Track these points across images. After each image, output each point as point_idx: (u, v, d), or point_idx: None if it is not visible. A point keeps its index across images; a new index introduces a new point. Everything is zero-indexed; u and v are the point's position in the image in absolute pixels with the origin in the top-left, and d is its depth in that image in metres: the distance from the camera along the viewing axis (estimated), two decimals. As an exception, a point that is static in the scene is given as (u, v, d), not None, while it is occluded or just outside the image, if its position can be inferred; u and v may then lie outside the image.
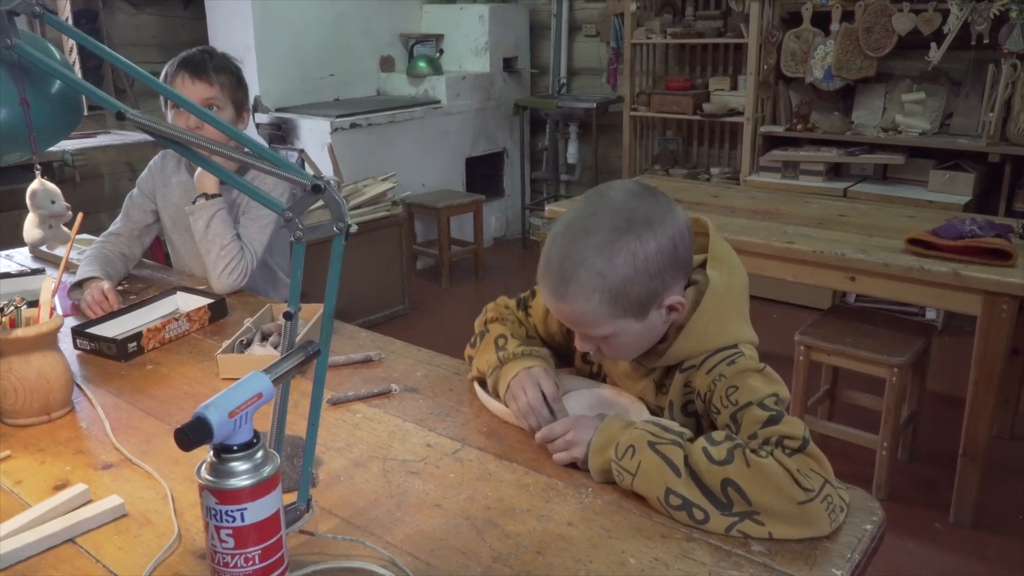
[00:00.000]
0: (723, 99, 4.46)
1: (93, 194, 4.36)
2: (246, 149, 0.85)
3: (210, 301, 1.64)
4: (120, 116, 0.80)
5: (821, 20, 3.93)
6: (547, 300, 1.13)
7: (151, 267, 2.02)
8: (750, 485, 0.93)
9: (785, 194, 3.26)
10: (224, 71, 1.83)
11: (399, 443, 1.18)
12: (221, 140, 1.79)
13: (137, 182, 1.96)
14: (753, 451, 0.97)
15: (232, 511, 0.76)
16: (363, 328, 1.63)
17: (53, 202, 1.05)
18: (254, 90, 4.38)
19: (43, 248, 1.83)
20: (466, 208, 4.55)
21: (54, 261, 1.96)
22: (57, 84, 0.93)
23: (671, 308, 1.10)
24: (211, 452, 0.77)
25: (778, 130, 4.13)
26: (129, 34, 4.50)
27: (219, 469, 0.77)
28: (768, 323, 3.72)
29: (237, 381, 0.78)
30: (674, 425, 1.05)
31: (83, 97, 0.97)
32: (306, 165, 4.23)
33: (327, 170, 4.19)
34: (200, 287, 1.79)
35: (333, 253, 0.86)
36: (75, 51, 4.16)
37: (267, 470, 0.78)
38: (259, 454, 0.78)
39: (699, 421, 1.15)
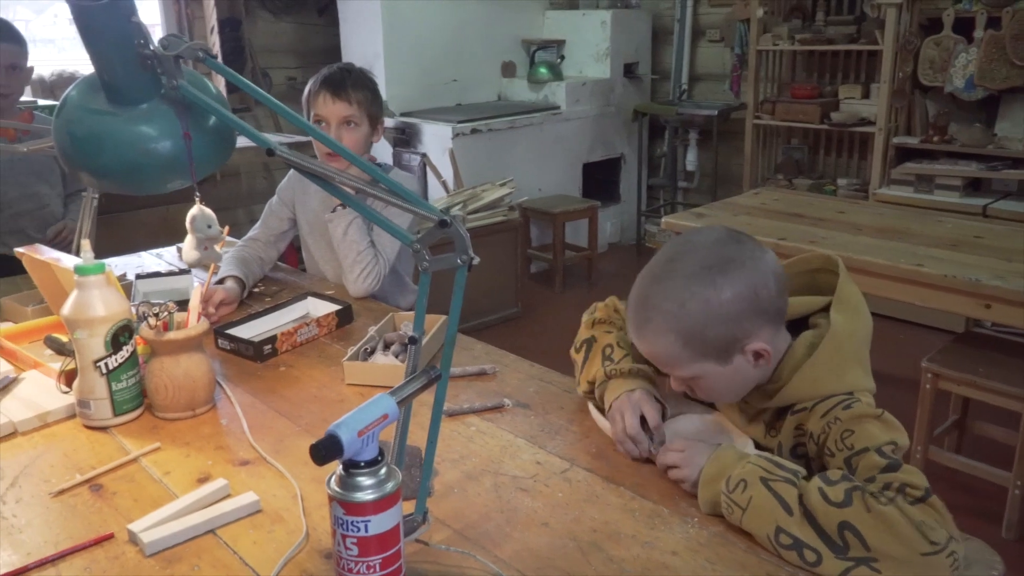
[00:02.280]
0: (853, 108, 4.30)
1: (231, 192, 4.66)
2: (381, 185, 0.91)
3: (338, 308, 1.74)
4: (270, 152, 0.88)
5: (963, 26, 3.73)
6: (630, 336, 1.18)
7: (285, 270, 2.16)
8: (870, 531, 0.92)
9: (917, 211, 3.11)
10: (362, 88, 1.93)
11: (510, 459, 1.22)
12: (357, 151, 1.92)
13: (277, 190, 2.10)
14: (872, 495, 0.95)
15: (357, 522, 0.83)
16: (476, 331, 1.69)
17: (209, 226, 1.15)
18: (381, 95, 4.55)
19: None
20: (581, 214, 4.58)
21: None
22: (214, 119, 1.02)
23: (757, 355, 1.10)
24: (340, 466, 0.84)
25: (912, 141, 3.94)
26: (268, 41, 4.76)
27: (347, 483, 0.83)
28: (893, 345, 3.56)
29: (366, 402, 0.84)
30: (788, 463, 1.05)
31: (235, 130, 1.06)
32: (428, 169, 4.36)
33: (448, 174, 4.31)
34: (328, 292, 1.90)
35: (456, 284, 0.91)
36: (219, 58, 4.44)
37: (390, 486, 0.84)
38: (383, 471, 0.84)
39: (809, 464, 1.14)
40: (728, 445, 1.11)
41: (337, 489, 0.83)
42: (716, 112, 4.68)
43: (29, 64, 2.58)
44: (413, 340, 0.92)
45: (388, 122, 4.54)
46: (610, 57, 4.96)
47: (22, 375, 1.48)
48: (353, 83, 1.92)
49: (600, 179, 5.20)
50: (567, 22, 5.11)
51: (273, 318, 1.75)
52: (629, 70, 5.11)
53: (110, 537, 1.04)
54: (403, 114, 4.57)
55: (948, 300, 2.26)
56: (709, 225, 2.15)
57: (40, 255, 1.60)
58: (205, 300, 1.75)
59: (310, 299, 1.83)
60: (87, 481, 1.17)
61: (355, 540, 0.83)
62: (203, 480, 1.17)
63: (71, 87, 1.02)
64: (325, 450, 0.79)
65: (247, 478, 1.18)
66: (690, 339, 1.08)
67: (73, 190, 2.73)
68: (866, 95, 4.31)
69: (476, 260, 0.91)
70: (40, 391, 1.41)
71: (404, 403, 0.87)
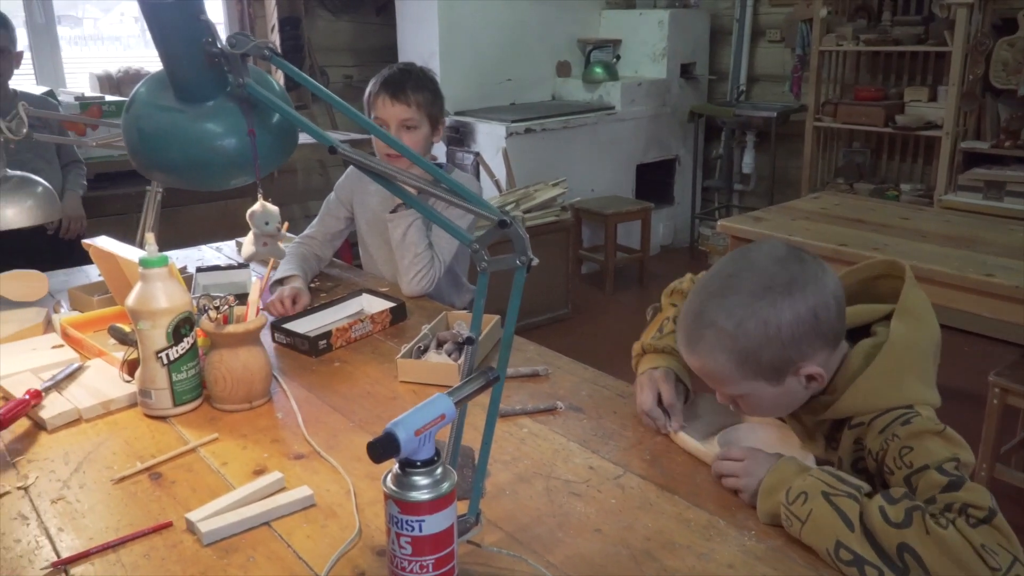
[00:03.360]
0: (919, 111, 4.18)
1: (288, 187, 4.73)
2: (443, 185, 0.91)
3: (392, 305, 1.75)
4: (332, 151, 0.89)
5: (1040, 28, 3.59)
6: (680, 348, 1.16)
7: (340, 267, 2.18)
8: (929, 554, 0.89)
9: (986, 219, 3.00)
10: (421, 89, 1.93)
11: (563, 462, 1.21)
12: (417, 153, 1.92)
13: (335, 187, 2.12)
14: (933, 516, 0.92)
15: (412, 521, 0.82)
16: (526, 331, 1.69)
17: (267, 223, 1.17)
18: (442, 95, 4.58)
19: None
20: (634, 215, 4.54)
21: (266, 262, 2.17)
22: (277, 116, 1.03)
23: (810, 378, 1.08)
24: (397, 464, 0.84)
25: (982, 146, 3.81)
26: (326, 39, 4.82)
27: (403, 481, 0.83)
28: (959, 357, 3.45)
29: (424, 401, 0.84)
30: (851, 478, 1.01)
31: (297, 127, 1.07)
32: (481, 168, 4.37)
33: (500, 174, 4.31)
34: (383, 289, 1.91)
35: (514, 285, 0.90)
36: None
37: (445, 486, 0.84)
38: (439, 471, 0.84)
39: (872, 480, 1.11)
40: (789, 457, 1.09)
41: (393, 487, 0.83)
42: (775, 114, 4.59)
43: (19, 49, 2.81)
44: (470, 340, 0.92)
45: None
46: (667, 57, 4.91)
47: (87, 363, 1.52)
48: (413, 85, 1.92)
49: (654, 180, 5.15)
50: (624, 22, 5.07)
51: (328, 314, 1.76)
52: (686, 70, 5.05)
53: (169, 525, 1.06)
54: (457, 113, 4.58)
55: (1019, 312, 2.18)
56: (767, 239, 2.11)
57: (106, 246, 1.64)
58: (282, 300, 1.77)
59: (365, 296, 1.84)
60: (147, 469, 1.20)
61: (409, 539, 0.83)
62: (259, 472, 1.19)
63: (140, 84, 1.04)
64: (382, 448, 0.79)
65: (301, 472, 1.19)
66: (744, 360, 1.06)
67: (67, 161, 2.94)
68: (933, 98, 4.18)
69: (535, 261, 0.90)
70: (104, 379, 1.45)
71: (461, 404, 0.86)
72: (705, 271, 1.17)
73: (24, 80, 4.10)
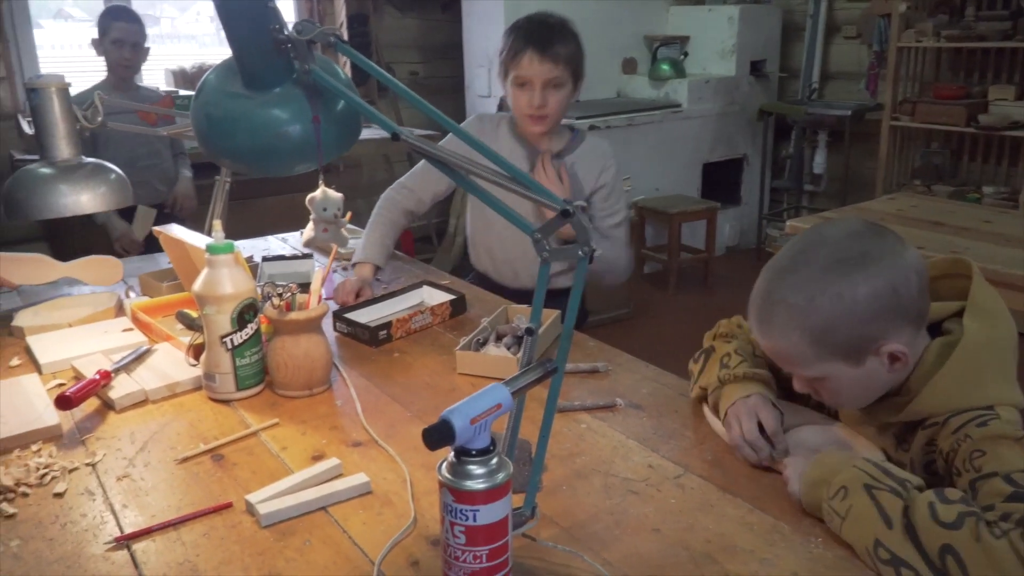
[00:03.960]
0: (1005, 110, 4.00)
1: (353, 181, 4.80)
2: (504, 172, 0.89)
3: (452, 297, 1.75)
4: (395, 137, 0.88)
5: None
6: (753, 333, 1.11)
7: (401, 259, 2.19)
8: (973, 561, 0.83)
9: (1073, 223, 2.86)
10: (567, 42, 1.79)
11: (621, 460, 1.19)
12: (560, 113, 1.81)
13: (447, 142, 1.99)
14: (989, 524, 0.86)
15: (466, 510, 0.81)
16: (586, 329, 1.66)
17: (325, 209, 1.17)
18: (501, 91, 4.58)
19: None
20: (699, 215, 4.46)
21: (324, 249, 2.20)
22: (342, 103, 1.03)
23: (893, 357, 1.02)
24: (452, 453, 0.83)
25: (1070, 148, 3.63)
26: (393, 36, 4.87)
27: (457, 470, 0.82)
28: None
29: (480, 390, 0.82)
30: (900, 471, 0.96)
31: (361, 115, 1.07)
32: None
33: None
34: (443, 282, 1.91)
35: (576, 276, 0.88)
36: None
37: (500, 476, 0.82)
38: (494, 460, 0.83)
39: (942, 484, 1.05)
40: (833, 448, 1.04)
41: (447, 476, 0.82)
42: (849, 112, 4.46)
43: (147, 44, 3.13)
44: (530, 331, 0.91)
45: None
46: (736, 54, 4.81)
47: (155, 347, 1.55)
48: (559, 38, 1.78)
49: (720, 180, 5.05)
50: (692, 18, 4.99)
51: (389, 304, 1.77)
52: (756, 68, 4.94)
53: (228, 506, 1.07)
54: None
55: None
56: (843, 216, 2.04)
57: (175, 234, 1.67)
58: (346, 293, 1.78)
59: (425, 288, 1.85)
60: (210, 451, 1.22)
61: (463, 528, 0.82)
62: (317, 458, 1.19)
63: (210, 71, 1.06)
64: (438, 435, 0.78)
65: (359, 459, 1.19)
66: (819, 337, 1.01)
67: (177, 151, 3.26)
68: (1020, 96, 3.99)
69: (598, 252, 0.88)
70: (170, 363, 1.48)
71: (518, 394, 0.85)
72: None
73: (96, 77, 4.25)
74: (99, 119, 1.46)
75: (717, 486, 1.12)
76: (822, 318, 1.00)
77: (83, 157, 1.41)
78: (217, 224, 1.34)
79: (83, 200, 1.37)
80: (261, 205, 3.88)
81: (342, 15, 4.61)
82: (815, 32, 4.86)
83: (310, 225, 1.20)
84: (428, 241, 4.99)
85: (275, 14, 0.91)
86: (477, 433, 0.80)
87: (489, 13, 4.49)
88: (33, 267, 1.82)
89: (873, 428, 1.14)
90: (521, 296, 1.88)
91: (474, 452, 0.82)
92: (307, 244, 1.23)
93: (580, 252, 0.88)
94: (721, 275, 4.69)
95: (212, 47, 4.90)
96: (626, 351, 1.59)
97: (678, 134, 4.69)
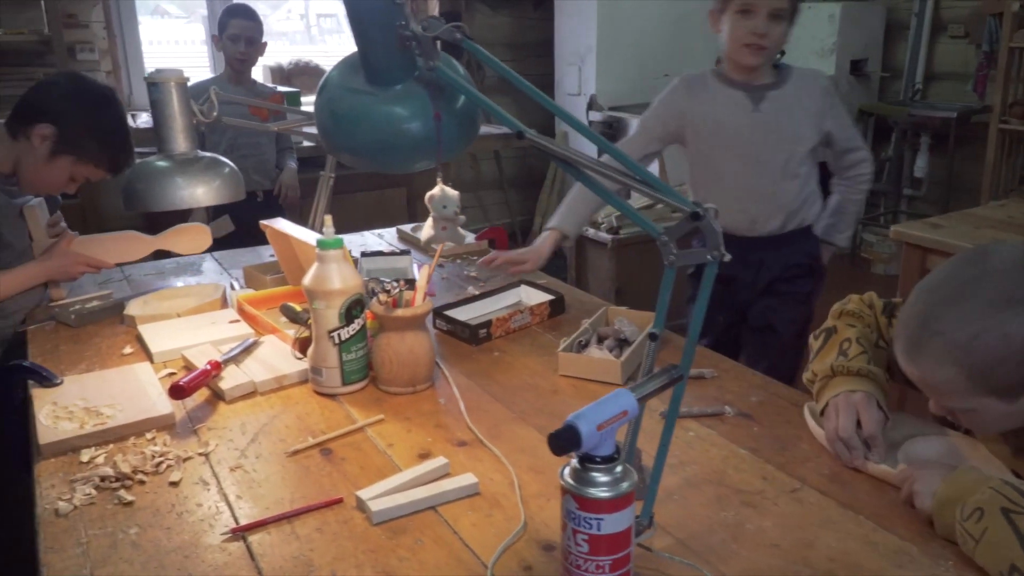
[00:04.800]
0: None
1: (464, 175, 4.84)
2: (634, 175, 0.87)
3: (551, 298, 1.73)
4: (519, 136, 0.86)
5: None
6: (897, 355, 1.05)
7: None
8: None
9: None
10: None
11: (733, 470, 1.15)
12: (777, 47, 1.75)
13: (657, 103, 2.01)
14: None
15: (591, 519, 0.79)
16: (675, 331, 1.61)
17: (445, 207, 1.17)
18: (591, 88, 4.54)
19: (432, 245, 2.02)
20: (792, 218, 4.32)
21: (415, 243, 2.22)
22: (462, 100, 1.02)
23: None
24: (575, 459, 0.81)
25: None
26: (484, 33, 4.89)
27: (582, 476, 0.80)
28: None
29: (605, 396, 0.80)
30: None
31: (480, 113, 1.06)
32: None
33: (653, 170, 4.22)
34: (541, 282, 1.89)
35: (704, 280, 0.85)
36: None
37: (625, 485, 0.80)
38: (619, 469, 0.80)
39: None
40: (969, 467, 0.98)
41: (571, 482, 0.80)
42: (955, 114, 4.25)
43: (264, 40, 3.23)
44: (653, 336, 0.88)
45: (596, 116, 4.52)
46: (836, 53, 4.64)
47: (261, 339, 1.58)
48: None
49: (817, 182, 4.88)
50: (789, 15, 4.83)
51: (487, 303, 1.77)
52: (856, 67, 4.75)
53: (339, 501, 1.08)
54: (612, 108, 4.52)
55: None
56: (1002, 241, 1.93)
57: (281, 228, 1.70)
58: (488, 261, 1.77)
59: (523, 287, 1.83)
60: (318, 444, 1.23)
61: (586, 537, 0.80)
62: (424, 456, 1.19)
63: (332, 68, 1.06)
64: (564, 440, 0.76)
65: (465, 459, 1.19)
66: (977, 375, 0.95)
67: (284, 145, 3.35)
68: None
69: (728, 257, 0.85)
70: (277, 355, 1.51)
71: (643, 401, 0.82)
72: (918, 288, 1.05)
73: (202, 72, 4.40)
74: (214, 113, 1.49)
75: (838, 502, 1.07)
76: (985, 357, 0.94)
77: (199, 151, 1.44)
78: (328, 219, 1.35)
79: (198, 193, 1.41)
80: (351, 201, 3.95)
81: (435, 12, 4.65)
82: (920, 31, 4.66)
83: (429, 223, 1.20)
84: (512, 239, 4.99)
85: (402, 10, 0.91)
86: (603, 439, 0.78)
87: (581, 10, 4.46)
88: (126, 244, 1.88)
89: (1008, 448, 1.08)
90: (761, 244, 1.91)
91: (599, 459, 0.79)
92: (427, 243, 1.23)
93: (709, 256, 0.84)
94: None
95: (303, 44, 5.01)
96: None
97: (771, 135, 4.56)
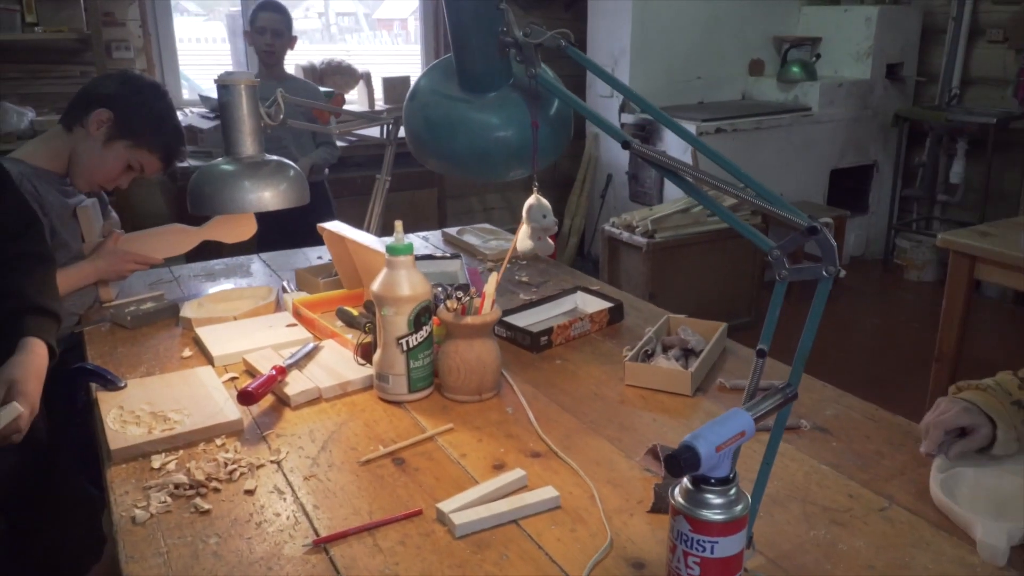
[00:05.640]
0: None
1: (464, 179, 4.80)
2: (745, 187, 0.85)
3: (610, 305, 1.71)
4: (625, 145, 0.85)
5: None
6: None
7: (546, 261, 2.16)
8: None
9: None
10: None
11: (817, 487, 1.12)
12: None
13: None
14: None
15: (704, 541, 0.77)
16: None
17: (544, 216, 1.15)
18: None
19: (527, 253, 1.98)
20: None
21: (462, 247, 2.20)
22: (555, 107, 1.01)
23: None
24: (688, 479, 0.79)
25: None
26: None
27: (695, 498, 0.78)
28: None
29: (722, 415, 0.78)
30: None
31: (572, 118, 1.04)
32: (666, 167, 4.26)
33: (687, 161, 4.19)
34: (595, 288, 1.87)
35: (817, 297, 0.83)
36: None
37: (739, 509, 0.78)
38: (733, 491, 0.78)
39: None
40: None
41: (683, 503, 0.78)
42: (993, 120, 4.20)
43: (293, 34, 3.26)
44: (761, 353, 0.86)
45: (627, 118, 4.49)
46: (872, 57, 4.60)
47: (322, 343, 1.57)
48: None
49: (849, 187, 4.84)
50: (826, 18, 4.79)
51: (543, 310, 1.75)
52: (892, 71, 4.71)
53: (419, 513, 1.06)
54: (644, 111, 4.48)
55: None
56: None
57: (338, 231, 1.69)
58: None
59: (579, 293, 1.81)
60: (391, 454, 1.21)
61: (698, 560, 0.78)
62: (499, 467, 1.17)
63: (421, 74, 1.04)
64: (684, 462, 0.74)
65: (540, 471, 1.17)
66: None
67: (322, 141, 3.33)
68: None
69: (842, 273, 0.82)
70: (339, 360, 1.49)
71: (760, 420, 0.80)
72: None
73: (221, 70, 4.40)
74: (280, 116, 1.48)
75: (929, 522, 1.04)
76: None
77: (266, 154, 1.43)
78: (398, 224, 1.34)
79: (266, 196, 1.40)
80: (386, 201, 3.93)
81: (465, 14, 4.62)
82: (957, 35, 4.60)
83: (524, 233, 1.18)
84: (541, 241, 4.96)
85: (504, 16, 0.89)
86: (720, 461, 0.76)
87: (615, 12, 4.43)
88: (173, 237, 1.87)
89: None
90: None
91: (713, 481, 0.77)
92: (523, 255, 1.21)
93: (824, 272, 0.82)
94: (845, 285, 4.50)
95: (322, 43, 5.01)
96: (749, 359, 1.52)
97: (806, 139, 4.52)
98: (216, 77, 1.40)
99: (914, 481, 1.13)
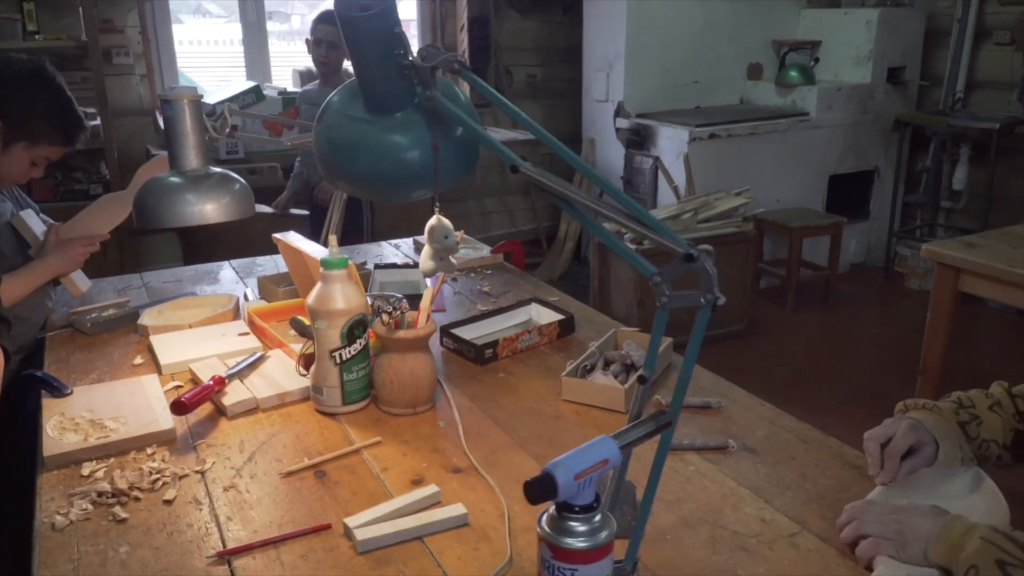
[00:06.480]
0: None
1: (491, 180, 4.82)
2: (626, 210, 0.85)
3: (561, 318, 1.71)
4: (514, 169, 0.85)
5: None
6: None
7: (511, 271, 2.17)
8: None
9: None
10: None
11: (731, 509, 1.12)
12: None
13: None
14: None
15: (565, 568, 0.77)
16: (701, 346, 1.58)
17: (446, 237, 1.15)
18: (618, 95, 4.50)
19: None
20: (823, 230, 4.25)
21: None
22: (461, 129, 1.01)
23: None
24: (553, 506, 0.79)
25: None
26: (512, 39, 4.87)
27: (558, 525, 0.78)
28: None
29: (587, 443, 0.78)
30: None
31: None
32: (660, 174, 4.25)
33: (680, 180, 4.17)
34: (553, 299, 1.87)
35: (696, 325, 0.83)
36: (466, 55, 4.61)
37: (603, 536, 0.78)
38: (597, 518, 0.78)
39: None
40: (955, 515, 0.95)
41: (547, 530, 0.78)
42: (997, 125, 4.14)
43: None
44: (643, 380, 0.85)
45: (623, 123, 4.48)
46: (873, 60, 4.55)
47: (268, 353, 1.59)
48: None
49: (848, 193, 4.80)
50: (826, 22, 4.75)
51: (497, 321, 1.75)
52: (894, 75, 4.66)
53: (328, 527, 1.07)
54: (639, 115, 4.48)
55: None
56: None
57: (292, 242, 1.71)
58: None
59: (534, 305, 1.82)
60: (314, 466, 1.22)
61: (561, 587, 0.78)
62: (417, 482, 1.18)
63: (334, 92, 1.05)
64: (539, 489, 0.75)
65: (458, 487, 1.17)
66: None
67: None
68: None
69: (721, 300, 0.82)
70: (282, 371, 1.51)
71: (627, 449, 0.80)
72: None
73: (234, 73, 4.44)
74: (227, 130, 1.50)
75: (837, 550, 1.03)
76: None
77: (211, 167, 1.45)
78: (333, 239, 1.35)
79: (208, 210, 1.41)
80: (379, 206, 3.95)
81: (463, 18, 4.64)
82: (962, 37, 4.54)
83: (427, 254, 1.18)
84: (537, 244, 4.97)
85: (400, 39, 0.90)
86: (581, 489, 0.76)
87: (611, 16, 4.42)
88: (110, 209, 1.84)
89: None
90: None
91: (577, 508, 0.77)
92: (427, 275, 1.21)
93: (702, 299, 0.82)
94: (844, 293, 4.46)
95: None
96: (739, 369, 1.52)
97: (804, 144, 4.49)
98: (160, 92, 1.41)
99: (831, 506, 1.12)
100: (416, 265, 2.02)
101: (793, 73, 4.58)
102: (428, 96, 0.91)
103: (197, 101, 1.41)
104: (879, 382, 3.48)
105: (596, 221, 0.89)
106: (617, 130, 4.49)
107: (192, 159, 1.43)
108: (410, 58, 0.91)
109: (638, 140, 4.42)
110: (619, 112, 4.47)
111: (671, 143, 4.22)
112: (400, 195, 1.06)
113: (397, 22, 0.90)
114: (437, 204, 1.09)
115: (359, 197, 1.08)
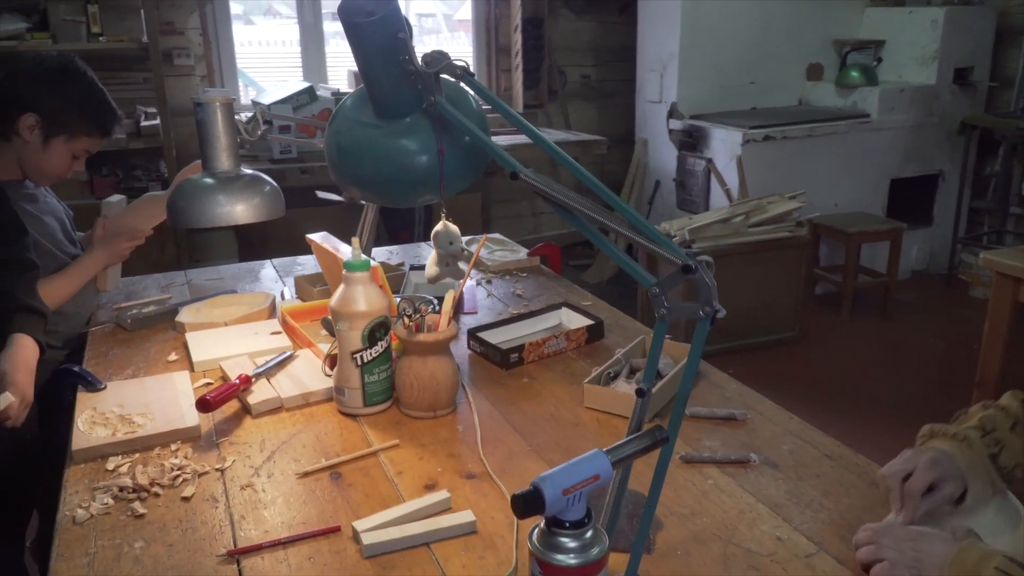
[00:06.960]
0: None
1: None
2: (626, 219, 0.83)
3: (590, 323, 1.69)
4: (514, 176, 0.84)
5: None
6: None
7: (546, 274, 2.15)
8: None
9: None
10: None
11: (747, 527, 1.09)
12: None
13: None
14: None
15: (554, 586, 0.76)
16: (748, 351, 1.55)
17: (451, 243, 1.15)
18: (672, 96, 4.44)
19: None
20: (882, 236, 4.11)
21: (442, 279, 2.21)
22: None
23: None
24: (543, 520, 0.78)
25: None
26: (567, 39, 4.85)
27: (548, 541, 0.77)
28: None
29: (578, 457, 0.77)
30: None
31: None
32: (712, 176, 4.18)
33: (733, 183, 4.09)
34: (585, 304, 1.85)
35: (695, 338, 0.80)
36: (520, 55, 4.61)
37: (595, 552, 0.76)
38: (588, 534, 0.77)
39: None
40: (971, 541, 0.90)
41: (537, 545, 0.77)
42: (1071, 129, 3.94)
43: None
44: (641, 393, 0.83)
45: (676, 124, 4.41)
46: (938, 60, 4.38)
47: (297, 352, 1.61)
48: None
49: (910, 197, 4.63)
50: (890, 21, 4.59)
51: (526, 325, 1.74)
52: (961, 76, 4.48)
53: (337, 530, 1.08)
54: (693, 116, 4.41)
55: None
56: None
57: (324, 243, 1.72)
58: None
59: (564, 309, 1.80)
60: (330, 467, 1.23)
61: (550, 604, 0.77)
62: (430, 487, 1.18)
63: (347, 97, 1.06)
64: (525, 504, 0.73)
65: (470, 493, 1.17)
66: None
67: None
68: None
69: (721, 313, 0.79)
70: (308, 371, 1.53)
71: (620, 465, 0.78)
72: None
73: (292, 74, 4.52)
74: (259, 132, 1.52)
75: (854, 573, 0.99)
76: None
77: (242, 169, 1.47)
78: (355, 241, 1.35)
79: (238, 210, 1.43)
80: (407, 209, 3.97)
81: (518, 18, 4.64)
82: (1035, 37, 4.34)
83: (433, 260, 1.18)
84: (588, 246, 4.94)
85: (404, 45, 0.90)
86: (570, 504, 0.75)
87: (666, 15, 4.36)
88: (152, 206, 1.90)
89: None
90: None
91: (567, 524, 0.76)
92: (431, 281, 1.21)
93: (701, 312, 0.80)
94: (903, 302, 4.31)
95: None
96: (788, 378, 1.48)
97: (864, 147, 4.35)
98: (192, 95, 1.45)
99: (851, 526, 1.08)
100: (450, 267, 2.02)
101: (854, 73, 4.44)
102: (431, 102, 0.90)
103: (229, 104, 1.43)
104: (932, 394, 3.35)
105: (595, 230, 0.87)
106: (670, 131, 4.43)
107: (224, 161, 1.45)
108: (414, 64, 0.91)
109: (691, 142, 4.35)
110: (672, 113, 4.40)
111: (724, 145, 4.14)
112: (405, 199, 1.06)
113: (401, 27, 0.90)
114: (444, 210, 1.08)
115: (369, 201, 1.09)
